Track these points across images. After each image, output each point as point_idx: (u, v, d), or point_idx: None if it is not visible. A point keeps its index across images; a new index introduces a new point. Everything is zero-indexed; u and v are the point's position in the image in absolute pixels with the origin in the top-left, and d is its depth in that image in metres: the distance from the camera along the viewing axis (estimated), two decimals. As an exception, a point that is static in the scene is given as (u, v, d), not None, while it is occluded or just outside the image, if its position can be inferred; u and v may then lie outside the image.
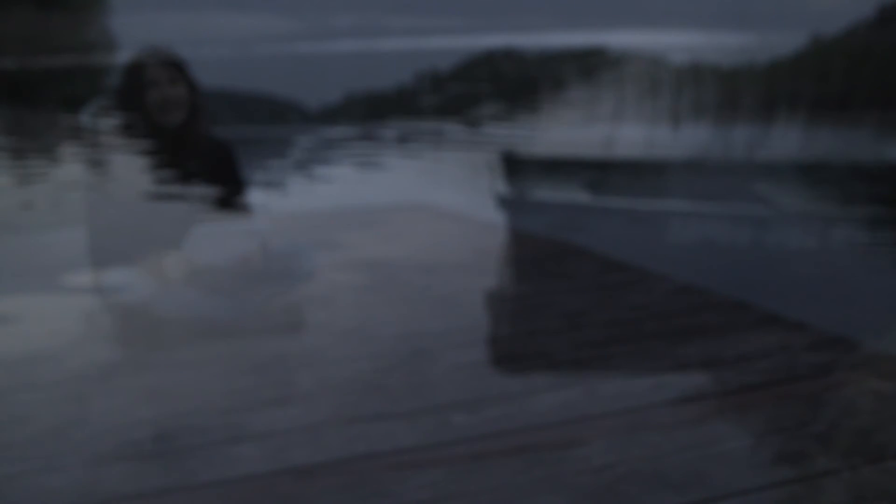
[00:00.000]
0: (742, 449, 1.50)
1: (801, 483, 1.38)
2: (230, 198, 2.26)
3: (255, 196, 2.36)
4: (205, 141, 2.23)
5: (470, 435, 1.55)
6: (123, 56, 2.21)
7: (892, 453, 1.47)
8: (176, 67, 2.15)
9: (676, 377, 1.89)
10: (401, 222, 4.21)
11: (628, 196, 4.67)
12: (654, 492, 1.33)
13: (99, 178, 2.23)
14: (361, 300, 2.56)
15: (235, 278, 2.20)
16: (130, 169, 2.18)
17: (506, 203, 4.57)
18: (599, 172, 5.24)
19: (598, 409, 1.67)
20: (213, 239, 2.16)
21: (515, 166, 5.19)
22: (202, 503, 1.32)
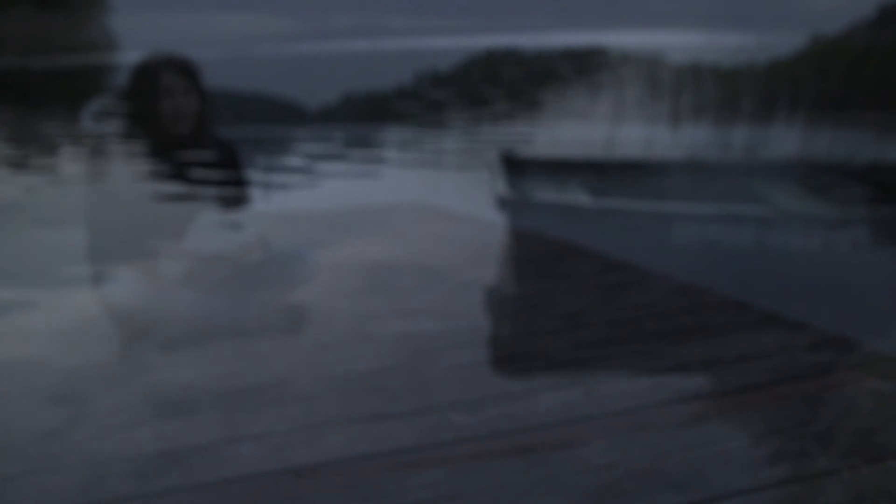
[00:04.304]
0: (742, 449, 1.50)
1: (801, 483, 1.38)
2: (234, 197, 2.26)
3: (256, 196, 2.36)
4: (210, 143, 2.22)
5: (470, 435, 1.55)
6: (133, 56, 2.18)
7: (892, 453, 1.47)
8: (191, 76, 2.11)
9: (676, 377, 1.89)
10: (401, 222, 4.21)
11: (628, 197, 4.66)
12: (654, 492, 1.33)
13: (99, 179, 2.22)
14: (361, 300, 2.56)
15: (236, 273, 2.20)
16: (131, 169, 2.17)
17: (506, 204, 4.57)
18: (599, 173, 5.24)
19: (598, 409, 1.67)
20: (214, 230, 2.16)
21: (515, 167, 5.19)
22: (202, 503, 1.32)
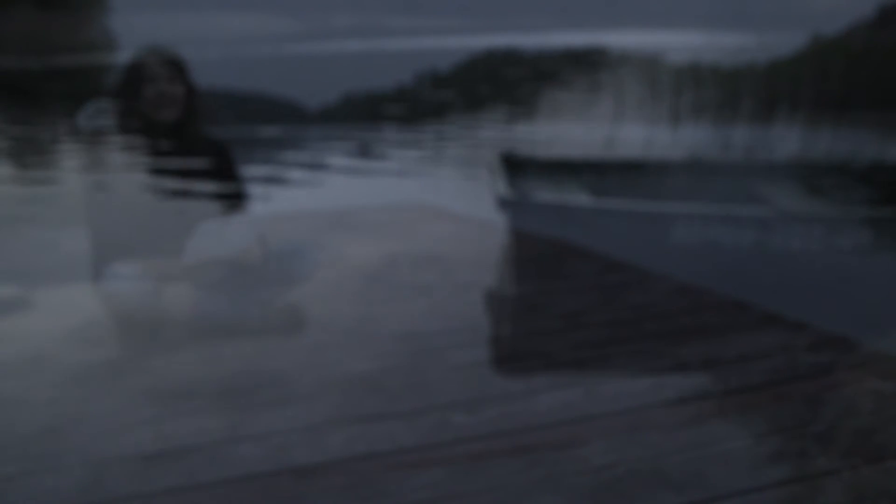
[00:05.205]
0: (742, 449, 1.50)
1: (801, 483, 1.38)
2: (228, 196, 2.26)
3: (254, 195, 2.36)
4: (201, 140, 2.23)
5: (470, 435, 1.55)
6: (124, 55, 2.22)
7: (892, 453, 1.47)
8: (176, 66, 2.15)
9: (676, 377, 1.89)
10: (401, 222, 4.21)
11: (628, 197, 4.66)
12: (654, 492, 1.33)
13: (99, 179, 2.22)
14: (361, 300, 2.56)
15: (236, 273, 2.20)
16: (130, 169, 2.18)
17: (506, 204, 4.56)
18: (599, 173, 5.23)
19: (598, 409, 1.67)
20: (214, 234, 2.16)
21: (515, 167, 5.19)
22: (202, 503, 1.32)
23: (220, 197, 2.24)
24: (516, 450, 1.49)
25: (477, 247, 3.64)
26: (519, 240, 3.84)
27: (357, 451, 1.48)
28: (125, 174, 2.19)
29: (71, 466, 1.43)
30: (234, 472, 1.41)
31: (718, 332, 2.24)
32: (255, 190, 2.38)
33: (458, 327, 2.29)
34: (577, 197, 4.92)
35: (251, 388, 1.80)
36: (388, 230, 3.95)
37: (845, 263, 3.80)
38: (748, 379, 1.85)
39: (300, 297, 2.38)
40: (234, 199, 2.29)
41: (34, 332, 2.21)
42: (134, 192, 2.17)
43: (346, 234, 3.78)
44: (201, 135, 2.25)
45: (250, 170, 2.37)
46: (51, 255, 3.04)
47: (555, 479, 1.37)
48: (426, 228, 4.04)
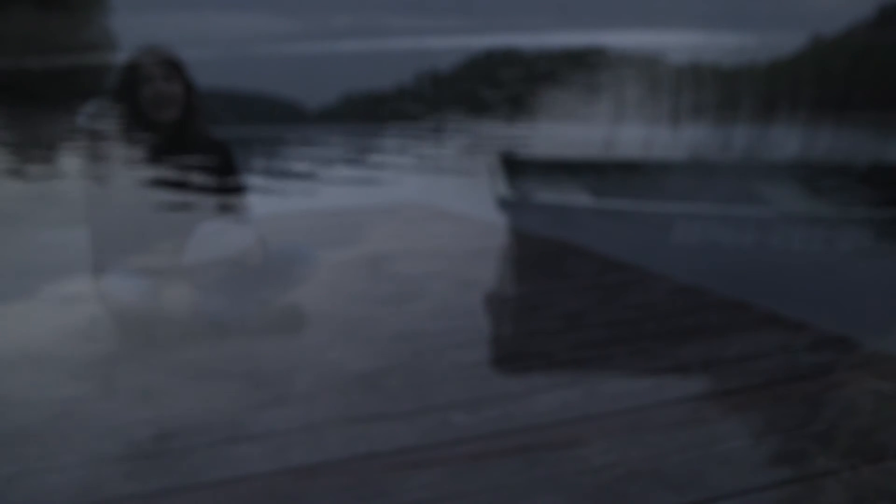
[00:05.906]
0: (742, 449, 1.50)
1: (801, 483, 1.38)
2: (228, 196, 2.26)
3: (254, 195, 2.36)
4: (202, 140, 2.23)
5: (470, 435, 1.55)
6: (123, 55, 2.22)
7: (892, 453, 1.47)
8: (172, 65, 2.15)
9: (676, 377, 1.89)
10: (401, 222, 4.21)
11: (628, 197, 4.66)
12: (654, 492, 1.33)
13: (98, 179, 2.22)
14: (361, 300, 2.56)
15: (236, 274, 2.20)
16: (129, 169, 2.18)
17: (506, 204, 4.57)
18: (599, 173, 5.24)
19: (598, 409, 1.67)
20: (214, 235, 2.16)
21: (515, 167, 5.19)
22: (202, 503, 1.32)
23: (220, 197, 2.24)
24: (516, 450, 1.49)
25: (477, 247, 3.64)
26: (519, 240, 3.85)
27: (357, 451, 1.48)
28: (125, 174, 2.19)
29: (71, 466, 1.43)
30: (233, 472, 1.41)
31: (718, 332, 2.24)
32: (255, 190, 2.38)
33: (458, 327, 2.29)
34: (577, 197, 4.91)
35: (251, 387, 1.80)
36: (388, 230, 3.95)
37: (845, 263, 3.80)
38: (748, 379, 1.85)
39: (300, 297, 2.38)
40: (235, 200, 2.29)
41: (34, 331, 2.21)
42: (134, 192, 2.17)
43: (346, 233, 3.78)
44: (202, 134, 2.24)
45: (251, 170, 2.37)
46: (50, 254, 3.04)
47: (555, 479, 1.37)
48: (426, 228, 4.04)
